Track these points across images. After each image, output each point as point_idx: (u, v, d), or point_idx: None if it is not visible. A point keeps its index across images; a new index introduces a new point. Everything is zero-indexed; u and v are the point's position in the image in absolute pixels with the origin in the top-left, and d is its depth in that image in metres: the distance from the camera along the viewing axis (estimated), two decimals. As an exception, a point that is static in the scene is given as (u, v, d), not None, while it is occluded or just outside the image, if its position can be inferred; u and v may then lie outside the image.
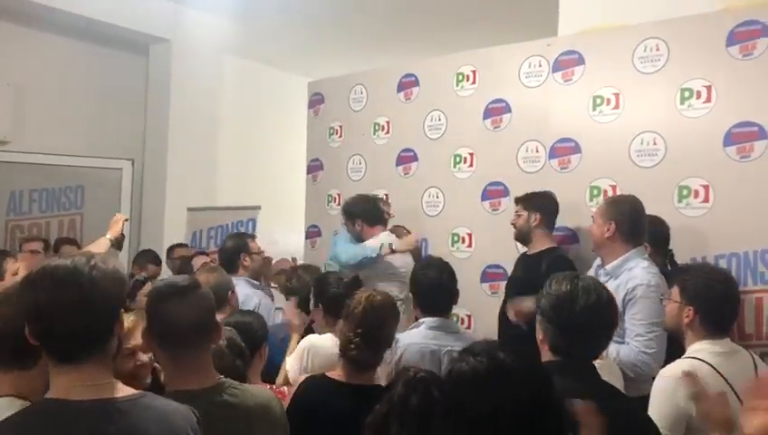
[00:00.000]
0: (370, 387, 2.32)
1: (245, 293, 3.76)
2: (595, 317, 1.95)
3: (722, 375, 2.23)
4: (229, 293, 3.21)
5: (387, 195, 4.58)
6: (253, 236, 4.42)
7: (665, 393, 2.21)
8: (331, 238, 4.50)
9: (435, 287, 2.95)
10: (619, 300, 2.68)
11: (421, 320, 2.92)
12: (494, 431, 1.36)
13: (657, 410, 2.18)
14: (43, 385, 1.59)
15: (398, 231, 4.33)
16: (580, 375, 1.92)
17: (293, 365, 2.83)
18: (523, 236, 3.73)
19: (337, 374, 2.38)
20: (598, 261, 3.25)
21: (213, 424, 1.71)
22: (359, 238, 4.14)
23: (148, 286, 3.95)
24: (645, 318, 2.81)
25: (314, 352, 2.80)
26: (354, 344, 2.33)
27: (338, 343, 2.43)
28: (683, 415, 2.16)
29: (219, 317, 2.73)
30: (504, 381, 1.38)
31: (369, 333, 2.35)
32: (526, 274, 3.58)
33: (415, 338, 2.82)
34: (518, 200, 3.76)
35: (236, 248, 4.10)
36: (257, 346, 2.58)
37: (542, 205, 3.67)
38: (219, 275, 3.25)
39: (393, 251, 4.02)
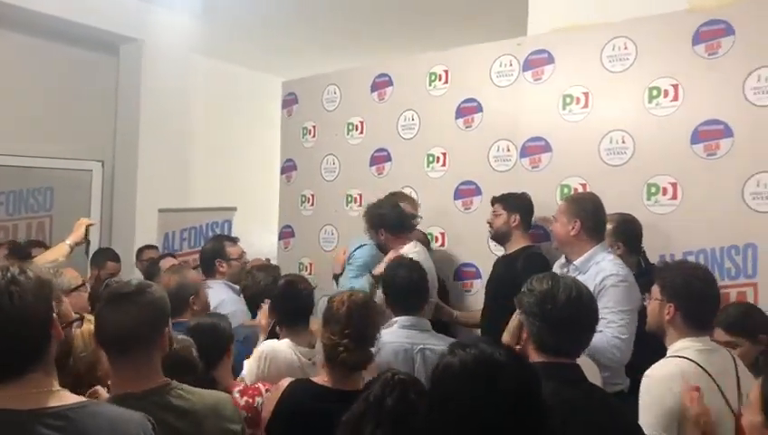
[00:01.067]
0: (359, 392, 2.24)
1: (221, 298, 3.60)
2: (578, 311, 1.99)
3: (708, 373, 2.25)
4: (191, 297, 3.05)
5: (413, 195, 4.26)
6: (233, 240, 4.17)
7: (652, 394, 2.22)
8: (350, 249, 4.12)
9: (406, 287, 2.97)
10: None
11: (394, 319, 2.92)
12: (482, 423, 1.38)
13: (647, 411, 2.19)
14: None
15: (415, 233, 4.02)
16: (567, 377, 1.95)
17: (251, 369, 2.79)
18: (500, 237, 3.73)
19: (323, 380, 2.35)
20: (562, 260, 3.27)
21: (157, 425, 1.70)
22: (384, 249, 3.81)
23: None
24: (615, 305, 2.84)
25: (272, 356, 2.77)
26: (344, 347, 2.29)
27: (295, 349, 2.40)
28: (675, 414, 2.16)
29: (182, 320, 2.72)
30: (493, 375, 1.40)
31: (358, 333, 2.33)
32: (504, 274, 3.59)
33: (388, 337, 2.81)
34: (496, 200, 3.76)
35: (213, 253, 3.94)
36: (224, 347, 2.56)
37: (520, 205, 3.69)
38: (181, 278, 3.11)
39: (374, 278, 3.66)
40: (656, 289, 2.45)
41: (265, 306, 3.22)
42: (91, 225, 3.55)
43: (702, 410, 2.11)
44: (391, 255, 3.64)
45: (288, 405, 2.25)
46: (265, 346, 2.86)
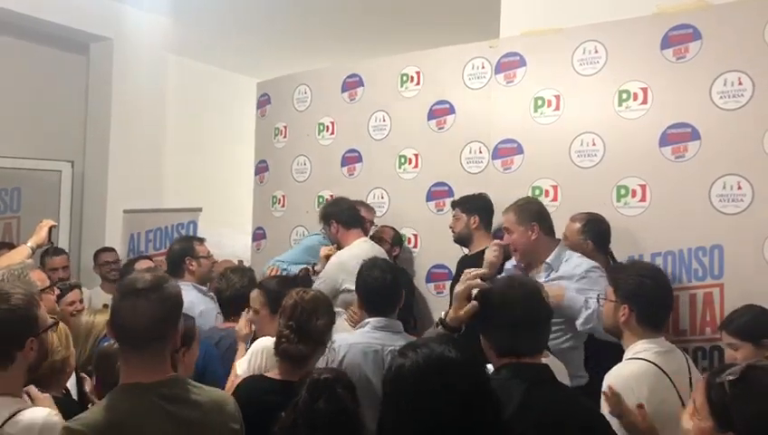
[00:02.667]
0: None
1: (190, 299, 3.48)
2: (526, 309, 1.95)
3: (667, 374, 2.28)
4: None
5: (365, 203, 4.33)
6: (201, 240, 4.18)
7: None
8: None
9: (379, 288, 2.93)
10: (573, 282, 3.01)
11: (366, 320, 2.90)
12: (435, 420, 1.38)
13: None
14: (21, 382, 1.92)
15: (386, 231, 4.19)
16: (541, 380, 1.92)
17: (242, 367, 2.77)
18: (463, 239, 3.79)
19: (274, 373, 2.41)
20: (510, 262, 3.33)
21: (161, 416, 1.78)
22: (336, 242, 3.87)
23: (75, 293, 3.85)
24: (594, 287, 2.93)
25: (268, 352, 2.75)
26: (285, 337, 2.36)
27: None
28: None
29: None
30: (443, 372, 1.41)
31: (300, 326, 2.38)
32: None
33: (358, 338, 2.80)
34: (455, 204, 3.81)
35: (182, 252, 3.91)
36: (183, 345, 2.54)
37: (479, 206, 3.74)
38: None
39: (314, 272, 3.82)
40: (610, 290, 2.49)
41: (246, 315, 3.18)
42: (53, 226, 3.43)
43: (649, 427, 2.14)
44: (325, 250, 3.79)
45: (240, 400, 2.25)
46: (260, 343, 2.84)
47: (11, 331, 1.89)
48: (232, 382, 2.77)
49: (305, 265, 3.88)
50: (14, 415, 1.81)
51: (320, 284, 3.59)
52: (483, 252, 3.55)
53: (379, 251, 3.71)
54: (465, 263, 3.71)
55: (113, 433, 1.74)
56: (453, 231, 3.80)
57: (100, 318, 3.15)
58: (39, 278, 2.85)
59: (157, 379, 1.84)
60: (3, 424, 1.79)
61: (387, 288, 2.93)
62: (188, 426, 1.83)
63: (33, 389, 2.03)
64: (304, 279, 3.72)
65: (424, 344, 1.49)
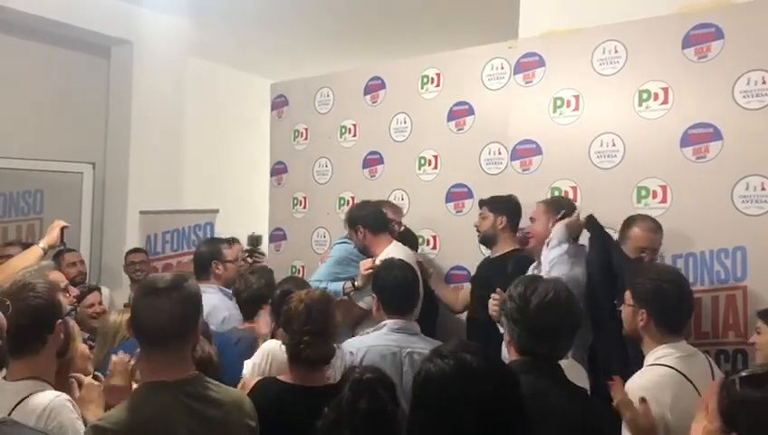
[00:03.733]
0: (323, 388, 2.32)
1: (213, 304, 3.49)
2: (552, 315, 2.00)
3: (689, 380, 2.25)
4: None
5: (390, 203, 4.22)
6: (230, 242, 4.03)
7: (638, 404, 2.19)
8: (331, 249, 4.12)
9: (399, 287, 2.92)
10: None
11: (383, 323, 2.90)
12: (460, 428, 1.40)
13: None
14: (52, 366, 2.06)
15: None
16: (545, 373, 1.96)
17: (248, 367, 2.79)
18: (488, 240, 3.73)
19: (288, 378, 2.37)
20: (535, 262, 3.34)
21: (186, 413, 1.82)
22: (363, 249, 3.77)
23: (95, 296, 3.90)
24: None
25: (274, 354, 2.75)
26: (305, 344, 2.31)
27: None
28: (659, 424, 2.15)
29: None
30: (469, 381, 1.43)
31: (318, 328, 2.35)
32: (493, 277, 3.56)
33: (376, 341, 2.81)
34: (483, 203, 3.76)
35: (209, 255, 3.83)
36: None
37: (507, 208, 3.69)
38: None
39: (355, 288, 3.65)
40: (628, 295, 2.45)
41: (265, 313, 3.20)
42: (65, 227, 3.45)
43: (650, 424, 2.11)
44: (366, 265, 3.60)
45: (255, 402, 2.27)
46: (268, 345, 2.85)
47: (42, 315, 2.04)
48: (243, 383, 2.79)
49: (350, 280, 3.70)
50: (26, 397, 1.92)
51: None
52: (506, 256, 3.59)
53: (411, 255, 3.68)
54: (487, 267, 3.71)
55: (140, 431, 1.77)
56: (478, 230, 3.74)
57: (126, 317, 3.19)
58: (58, 278, 2.90)
59: (179, 377, 1.88)
60: (15, 406, 1.89)
61: (405, 288, 2.93)
62: (211, 424, 1.86)
63: (80, 376, 2.19)
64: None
65: (452, 352, 1.50)
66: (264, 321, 3.18)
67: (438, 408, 1.42)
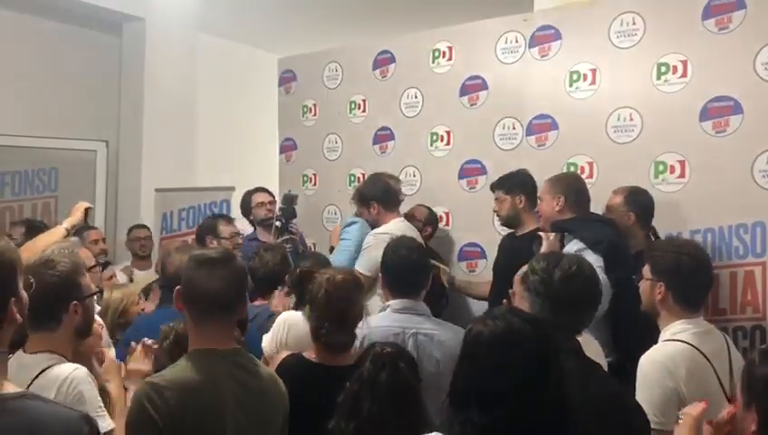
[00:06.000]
0: (346, 367, 2.26)
1: None
2: (576, 287, 2.00)
3: (705, 356, 2.22)
4: None
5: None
6: (229, 219, 4.25)
7: (652, 377, 2.17)
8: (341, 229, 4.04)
9: (403, 267, 2.75)
10: None
11: (387, 304, 2.76)
12: (502, 383, 1.47)
13: (646, 394, 2.14)
14: (69, 342, 2.08)
15: (419, 210, 4.08)
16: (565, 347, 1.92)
17: (268, 341, 2.79)
18: (511, 221, 3.64)
19: (312, 356, 2.36)
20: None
21: (234, 382, 1.89)
22: (375, 225, 3.72)
23: (111, 269, 3.92)
24: None
25: (291, 324, 2.75)
26: (325, 329, 2.30)
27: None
28: (674, 397, 2.13)
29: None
30: (516, 345, 1.50)
31: (338, 315, 2.31)
32: (520, 254, 3.51)
33: (379, 322, 2.72)
34: (495, 186, 3.68)
35: (205, 230, 4.03)
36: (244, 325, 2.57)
37: (522, 186, 3.59)
38: None
39: None
40: (646, 269, 2.39)
41: (280, 293, 3.19)
42: (89, 208, 3.45)
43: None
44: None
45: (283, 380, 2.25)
46: (284, 316, 2.84)
47: (57, 294, 2.04)
48: (265, 359, 2.78)
49: None
50: (46, 369, 1.95)
51: (361, 264, 3.52)
52: (532, 233, 3.46)
53: (413, 231, 3.64)
54: (513, 243, 3.62)
55: (193, 392, 1.83)
56: (498, 215, 3.66)
57: (116, 294, 3.22)
58: (86, 256, 2.93)
59: (227, 347, 1.94)
60: (37, 376, 1.93)
61: (411, 267, 2.76)
62: (255, 395, 1.93)
63: (105, 350, 2.30)
64: None
65: (503, 315, 1.59)
66: (278, 301, 3.18)
67: (485, 362, 1.51)
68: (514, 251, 3.49)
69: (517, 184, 3.60)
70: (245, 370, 1.95)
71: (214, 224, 4.06)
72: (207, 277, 1.91)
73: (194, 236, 4.77)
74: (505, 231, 3.76)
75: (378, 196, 3.74)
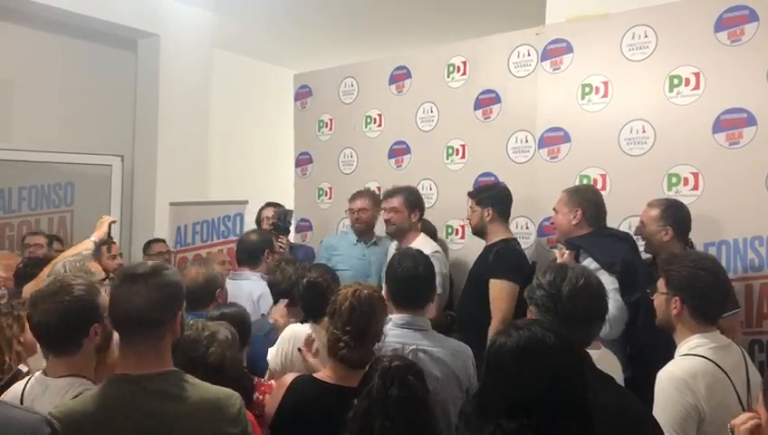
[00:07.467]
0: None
1: (261, 292, 3.61)
2: (585, 301, 2.01)
3: (724, 371, 2.20)
4: (218, 290, 3.08)
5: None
6: (278, 235, 4.24)
7: (671, 394, 2.13)
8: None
9: (409, 279, 2.70)
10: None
11: (389, 317, 2.68)
12: (525, 394, 1.52)
13: (664, 411, 2.11)
14: (91, 364, 2.08)
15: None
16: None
17: (273, 356, 2.79)
18: (479, 231, 3.70)
19: (326, 376, 2.32)
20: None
21: (138, 411, 1.72)
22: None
23: None
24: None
25: (297, 338, 2.74)
26: (344, 343, 2.27)
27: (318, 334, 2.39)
28: (693, 414, 2.10)
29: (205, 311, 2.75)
30: (541, 356, 1.56)
31: (359, 330, 2.28)
32: (476, 266, 3.62)
33: None
34: (470, 196, 3.72)
35: (262, 244, 3.92)
36: (246, 335, 2.58)
37: (492, 199, 3.62)
38: (209, 271, 3.12)
39: None
40: (661, 283, 2.37)
41: (281, 305, 3.20)
42: (114, 222, 3.54)
43: None
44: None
45: (290, 403, 2.23)
46: (289, 330, 2.85)
47: (76, 320, 2.03)
48: (270, 375, 2.78)
49: None
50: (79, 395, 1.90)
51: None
52: (491, 246, 3.55)
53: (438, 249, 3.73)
54: (481, 252, 3.65)
55: (83, 422, 1.70)
56: (470, 223, 3.74)
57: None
58: (96, 269, 2.96)
59: (147, 371, 1.77)
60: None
61: (414, 280, 2.70)
62: (170, 422, 1.74)
63: None
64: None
65: (527, 325, 1.63)
66: (278, 313, 3.18)
67: (510, 371, 1.56)
68: (479, 260, 3.61)
69: (488, 197, 3.63)
70: (162, 396, 1.75)
71: (270, 239, 4.05)
72: (128, 293, 1.77)
73: (211, 250, 4.82)
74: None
75: (422, 205, 3.96)
